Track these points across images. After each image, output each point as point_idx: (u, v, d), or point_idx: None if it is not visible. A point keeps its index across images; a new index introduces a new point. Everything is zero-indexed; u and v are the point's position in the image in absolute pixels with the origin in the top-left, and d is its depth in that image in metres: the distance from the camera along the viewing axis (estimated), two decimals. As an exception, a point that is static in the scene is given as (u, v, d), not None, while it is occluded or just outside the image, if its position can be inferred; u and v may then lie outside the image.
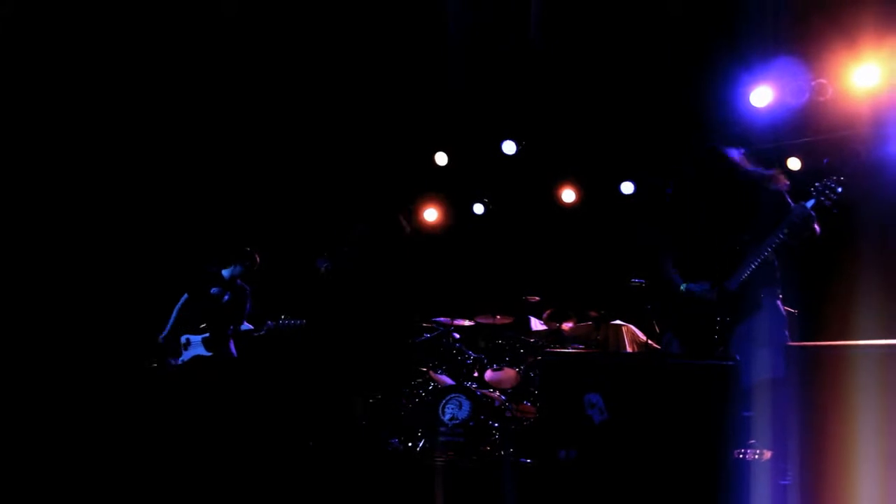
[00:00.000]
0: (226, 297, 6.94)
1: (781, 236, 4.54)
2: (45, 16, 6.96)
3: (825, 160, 4.91)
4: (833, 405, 3.51)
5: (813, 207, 4.55)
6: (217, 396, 6.68)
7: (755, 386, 4.30)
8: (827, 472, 3.49)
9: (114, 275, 7.80)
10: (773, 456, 4.01)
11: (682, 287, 4.82)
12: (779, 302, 4.73)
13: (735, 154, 4.86)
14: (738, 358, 4.04)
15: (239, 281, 7.06)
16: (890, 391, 3.42)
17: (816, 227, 4.63)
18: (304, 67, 7.97)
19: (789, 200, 4.68)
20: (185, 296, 7.00)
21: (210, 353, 6.79)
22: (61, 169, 7.61)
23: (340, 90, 8.20)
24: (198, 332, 6.83)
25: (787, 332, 4.66)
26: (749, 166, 4.85)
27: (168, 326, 6.95)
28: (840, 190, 4.52)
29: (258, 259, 7.09)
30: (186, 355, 6.80)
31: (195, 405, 6.55)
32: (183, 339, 6.84)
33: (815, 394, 3.61)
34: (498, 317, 7.86)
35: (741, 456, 3.96)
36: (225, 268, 7.02)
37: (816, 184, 4.59)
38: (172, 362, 6.80)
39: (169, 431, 6.25)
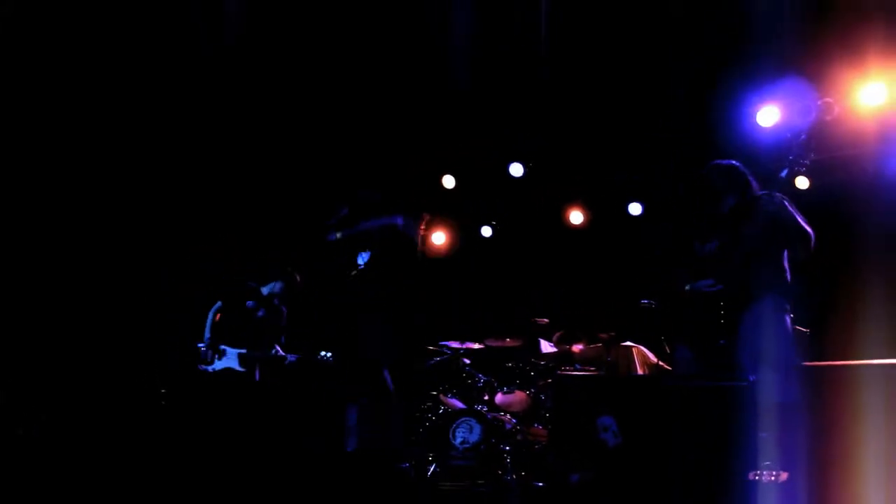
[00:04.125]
0: (260, 313, 6.86)
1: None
2: (46, 16, 6.95)
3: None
4: (839, 423, 3.50)
5: (787, 176, 4.68)
6: (236, 416, 6.63)
7: (767, 408, 4.26)
8: (834, 490, 3.47)
9: (148, 281, 7.78)
10: (788, 477, 3.99)
11: (686, 287, 4.83)
12: (788, 318, 4.69)
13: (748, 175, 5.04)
14: (751, 379, 4.03)
15: (276, 300, 6.95)
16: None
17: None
18: (312, 90, 7.98)
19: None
20: (219, 303, 6.83)
21: (243, 370, 6.68)
22: (69, 171, 7.56)
23: (348, 113, 8.21)
24: (235, 344, 6.71)
25: (793, 353, 4.61)
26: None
27: (207, 334, 6.77)
28: (813, 155, 4.63)
29: (299, 280, 7.02)
30: (218, 365, 6.68)
31: (215, 417, 6.52)
32: (221, 347, 6.71)
33: (822, 412, 3.60)
34: (507, 339, 7.84)
35: (756, 478, 3.93)
36: (264, 284, 6.96)
37: (790, 156, 4.73)
38: (202, 368, 6.68)
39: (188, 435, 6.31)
